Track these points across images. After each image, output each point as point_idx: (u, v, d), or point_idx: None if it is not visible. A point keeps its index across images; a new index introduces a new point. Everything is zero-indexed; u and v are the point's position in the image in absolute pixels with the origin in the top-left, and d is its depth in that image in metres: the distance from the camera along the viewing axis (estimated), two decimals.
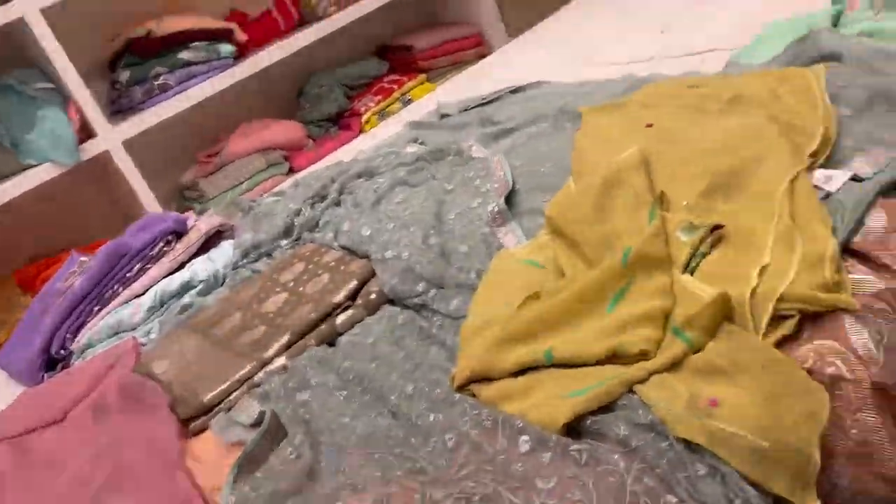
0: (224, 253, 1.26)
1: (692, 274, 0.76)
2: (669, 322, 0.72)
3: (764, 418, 0.62)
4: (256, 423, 0.86)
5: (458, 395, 0.74)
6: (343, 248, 1.14)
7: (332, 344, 0.98)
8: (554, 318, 0.75)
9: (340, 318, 1.00)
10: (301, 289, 1.07)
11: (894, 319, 0.68)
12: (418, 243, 1.01)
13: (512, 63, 1.97)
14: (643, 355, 0.69)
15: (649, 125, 0.94)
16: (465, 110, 1.64)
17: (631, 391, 0.67)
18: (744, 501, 0.58)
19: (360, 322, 1.00)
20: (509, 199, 1.03)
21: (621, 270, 0.75)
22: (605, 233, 0.82)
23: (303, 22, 2.38)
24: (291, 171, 2.27)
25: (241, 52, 2.19)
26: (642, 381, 0.67)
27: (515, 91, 1.61)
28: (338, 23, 2.32)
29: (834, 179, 0.80)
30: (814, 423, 0.62)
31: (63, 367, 1.18)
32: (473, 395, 0.75)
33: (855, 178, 0.81)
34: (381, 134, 1.86)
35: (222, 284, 1.21)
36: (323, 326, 1.00)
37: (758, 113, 0.89)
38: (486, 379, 0.75)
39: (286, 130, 2.32)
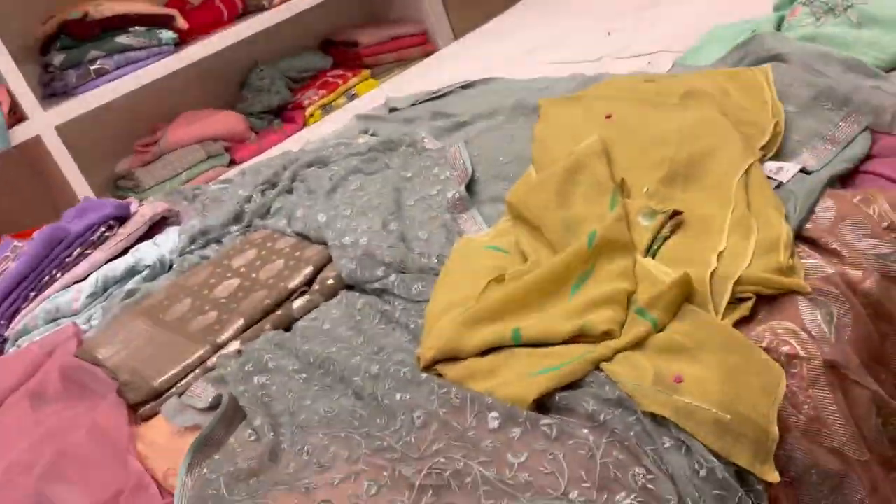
0: (170, 239, 1.22)
1: (653, 257, 0.78)
2: (632, 303, 0.73)
3: (725, 393, 0.64)
4: (211, 408, 0.84)
5: (424, 375, 0.74)
6: (297, 234, 1.12)
7: (287, 329, 0.96)
8: (520, 299, 0.76)
9: (297, 304, 0.99)
10: (254, 275, 1.05)
11: (844, 302, 0.71)
12: (377, 229, 1.00)
13: (458, 61, 1.98)
14: (608, 335, 0.71)
15: (608, 116, 0.96)
16: (415, 104, 1.64)
17: (597, 369, 0.68)
18: (708, 472, 0.60)
19: (316, 308, 0.98)
20: (468, 187, 1.03)
21: (586, 254, 0.76)
22: (567, 218, 0.83)
23: (246, 12, 2.34)
24: (233, 162, 2.22)
25: (183, 40, 2.13)
26: (608, 359, 0.69)
27: (466, 86, 1.62)
28: (282, 14, 2.29)
29: (785, 170, 0.84)
30: (771, 399, 0.65)
31: None
32: (440, 376, 0.75)
33: (803, 171, 0.85)
34: (326, 128, 1.84)
35: (169, 270, 1.17)
36: (279, 312, 0.98)
37: (710, 107, 0.93)
38: (452, 359, 0.75)
39: (228, 121, 2.27)
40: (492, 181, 1.03)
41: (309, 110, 2.35)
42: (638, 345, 0.69)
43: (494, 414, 0.67)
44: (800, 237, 0.77)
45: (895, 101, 0.94)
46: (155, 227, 1.31)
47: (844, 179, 0.85)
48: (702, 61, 1.22)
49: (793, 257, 0.74)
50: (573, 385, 0.68)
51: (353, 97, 2.37)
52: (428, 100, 1.62)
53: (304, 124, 2.30)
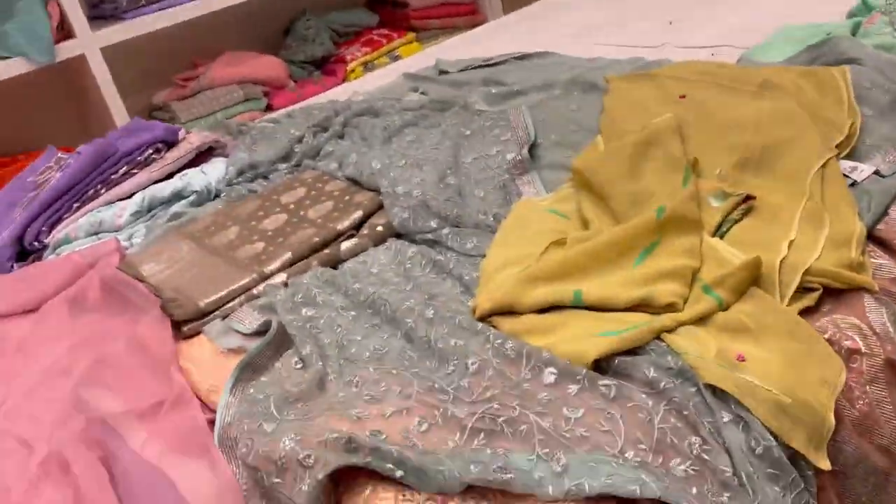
0: (217, 169, 1.22)
1: (722, 238, 0.77)
2: (697, 281, 0.73)
3: (787, 377, 0.64)
4: (257, 333, 0.84)
5: (480, 324, 0.74)
6: (348, 179, 1.12)
7: (334, 269, 0.96)
8: (582, 262, 0.76)
9: (344, 245, 0.98)
10: (303, 212, 1.05)
11: None
12: (433, 181, 1.00)
13: (509, 34, 1.96)
14: (671, 307, 0.70)
15: (682, 96, 0.95)
16: (465, 70, 1.63)
17: (659, 339, 0.68)
18: (765, 450, 0.60)
19: (364, 252, 0.98)
20: (528, 151, 1.03)
21: (654, 225, 0.76)
22: (636, 191, 0.83)
23: None
24: (269, 108, 2.21)
25: None
26: (671, 330, 0.68)
27: (520, 58, 1.60)
28: None
29: (860, 170, 0.84)
30: (831, 389, 0.65)
31: (35, 261, 1.11)
32: (495, 327, 0.74)
33: (877, 173, 0.84)
34: (370, 83, 1.82)
35: (215, 199, 1.17)
36: (326, 251, 0.98)
37: (788, 99, 0.92)
38: (509, 314, 0.75)
39: (269, 66, 2.25)
40: (553, 148, 1.03)
41: (351, 66, 2.34)
42: (701, 321, 0.69)
43: (552, 369, 0.67)
44: (871, 237, 0.77)
45: None
46: (200, 157, 1.30)
47: None
48: (771, 58, 1.21)
49: (863, 255, 0.74)
50: (633, 351, 0.68)
51: (396, 58, 2.35)
52: (480, 66, 1.61)
53: (345, 79, 2.28)
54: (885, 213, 0.78)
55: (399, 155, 1.10)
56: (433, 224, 0.94)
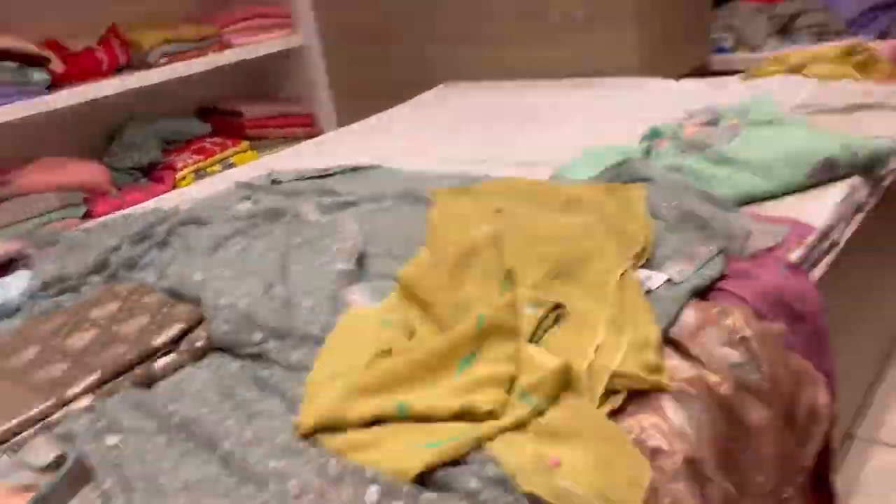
0: (19, 281, 1.12)
1: (536, 344, 0.81)
2: (516, 387, 0.76)
3: (599, 480, 0.67)
4: (52, 467, 0.76)
5: (302, 443, 0.71)
6: (167, 291, 1.07)
7: (148, 389, 0.90)
8: (407, 373, 0.76)
9: (160, 363, 0.93)
10: (115, 328, 0.98)
11: (703, 403, 0.77)
12: (259, 292, 0.98)
13: (344, 147, 2.01)
14: (491, 415, 0.72)
15: (498, 210, 1.01)
16: (299, 180, 1.64)
17: (480, 447, 0.69)
18: None
19: (182, 369, 0.93)
20: (358, 261, 1.04)
21: (475, 334, 0.78)
22: (457, 300, 0.86)
23: (129, 66, 2.27)
24: (89, 216, 2.09)
25: (57, 84, 2.03)
26: (492, 438, 0.70)
27: (354, 170, 1.65)
28: (164, 74, 2.25)
29: (654, 279, 0.92)
30: (638, 490, 0.68)
31: None
32: (318, 446, 0.72)
33: (669, 281, 0.93)
34: (199, 191, 1.79)
35: (15, 314, 1.07)
36: (138, 370, 0.91)
37: (590, 214, 1.00)
38: (333, 429, 0.73)
39: (90, 172, 2.15)
40: (381, 258, 1.05)
41: (181, 173, 2.29)
42: (519, 427, 0.71)
43: (375, 487, 0.65)
44: (665, 340, 0.84)
45: (744, 231, 1.06)
46: (2, 270, 1.20)
47: (703, 293, 0.94)
48: (578, 176, 1.32)
49: (661, 358, 0.80)
50: (455, 462, 0.68)
51: (230, 166, 2.33)
52: (313, 177, 1.64)
53: (174, 186, 2.22)
54: (676, 318, 0.86)
55: (224, 265, 1.07)
56: (257, 337, 0.92)
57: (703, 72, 2.50)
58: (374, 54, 2.59)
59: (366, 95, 2.62)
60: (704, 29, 2.53)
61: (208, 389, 0.87)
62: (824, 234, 1.11)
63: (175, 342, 0.97)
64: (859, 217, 1.23)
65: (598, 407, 0.74)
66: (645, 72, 2.21)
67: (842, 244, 1.16)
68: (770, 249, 1.07)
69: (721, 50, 2.62)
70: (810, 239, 1.09)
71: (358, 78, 2.64)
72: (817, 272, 1.09)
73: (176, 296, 1.05)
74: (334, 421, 0.73)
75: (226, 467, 0.72)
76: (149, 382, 0.91)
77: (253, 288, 0.99)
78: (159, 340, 0.95)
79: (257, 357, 0.90)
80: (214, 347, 0.96)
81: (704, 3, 2.49)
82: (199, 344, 0.96)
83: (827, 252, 1.14)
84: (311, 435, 0.73)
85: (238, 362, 0.90)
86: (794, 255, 1.05)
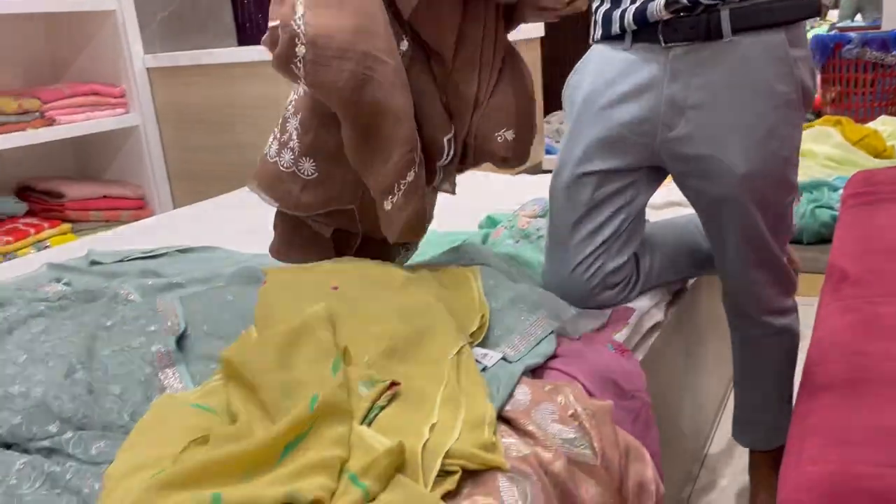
0: None
1: (369, 425, 0.77)
2: (344, 471, 0.71)
3: None
4: None
5: None
6: None
7: None
8: (224, 462, 0.69)
9: None
10: None
11: (536, 481, 0.76)
12: (58, 379, 0.87)
13: (176, 230, 1.92)
14: (317, 503, 0.66)
15: (335, 287, 0.98)
16: (122, 261, 1.53)
17: None
18: None
19: None
20: (177, 343, 0.95)
21: (305, 417, 0.73)
22: (287, 381, 0.80)
23: None
24: None
25: None
26: None
27: (184, 251, 1.56)
28: None
29: (490, 357, 0.91)
30: None
31: None
32: None
33: (504, 359, 0.93)
34: (5, 273, 1.61)
35: None
36: None
37: (427, 293, 1.00)
38: None
39: None
40: (205, 338, 0.97)
41: None
42: None
43: None
44: (500, 418, 0.83)
45: (572, 313, 1.10)
46: None
47: (536, 371, 0.95)
48: (418, 258, 1.33)
49: (495, 435, 0.78)
50: None
51: (45, 249, 2.14)
52: (138, 258, 1.53)
53: None
54: (510, 395, 0.86)
55: (19, 349, 0.95)
56: (52, 429, 0.81)
57: (536, 170, 2.66)
58: (213, 137, 2.53)
59: (202, 179, 2.53)
60: (539, 133, 2.71)
61: None
62: (644, 315, 1.18)
63: None
64: (679, 297, 1.32)
65: (433, 489, 0.71)
66: (484, 167, 2.30)
67: (663, 323, 1.23)
68: (597, 331, 1.11)
69: (550, 150, 2.82)
70: (633, 320, 1.14)
71: (196, 160, 2.55)
72: (640, 353, 1.14)
73: None
74: None
75: None
76: None
77: (52, 373, 0.88)
78: None
79: (50, 451, 0.79)
80: (1, 442, 0.83)
81: (538, 111, 2.68)
82: None
83: (650, 331, 1.20)
84: None
85: (26, 458, 0.78)
86: (620, 336, 1.10)
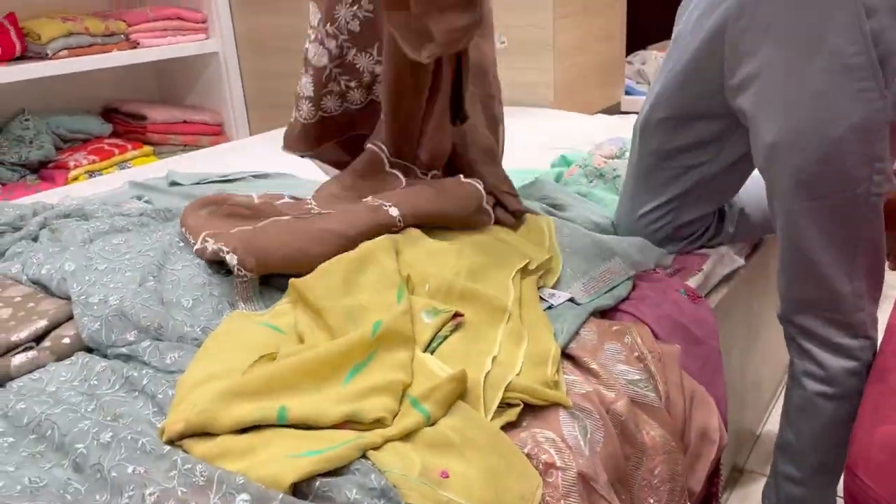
0: None
1: (432, 353, 0.77)
2: (407, 395, 0.71)
3: (487, 494, 0.63)
4: None
5: (167, 448, 0.65)
6: (35, 284, 0.97)
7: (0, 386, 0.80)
8: (290, 378, 0.71)
9: (17, 360, 0.83)
10: None
11: (598, 419, 0.75)
12: (134, 287, 0.90)
13: (252, 155, 1.94)
14: (379, 423, 0.67)
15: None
16: (200, 183, 1.57)
17: (364, 457, 0.64)
18: None
19: (42, 367, 0.84)
20: None
21: (368, 342, 0.74)
22: (351, 306, 0.81)
23: (24, 56, 2.14)
24: None
25: None
26: (377, 447, 0.65)
27: (259, 177, 1.58)
28: (61, 68, 2.12)
29: (557, 297, 0.90)
30: None
31: None
32: (185, 452, 0.66)
33: (572, 300, 0.91)
34: (90, 189, 1.68)
35: None
36: None
37: (495, 234, 0.99)
38: (203, 434, 0.66)
39: None
40: None
41: (74, 172, 2.15)
42: (408, 436, 0.67)
43: (244, 496, 0.59)
44: (564, 355, 0.82)
45: (654, 256, 1.07)
46: None
47: (605, 313, 0.93)
48: None
49: (558, 373, 0.78)
50: (336, 472, 0.63)
51: (126, 169, 2.21)
52: (215, 181, 1.56)
53: (65, 185, 2.09)
54: (576, 334, 0.85)
55: (100, 257, 0.98)
56: (130, 337, 0.84)
57: (614, 111, 2.58)
58: (291, 66, 2.53)
59: (280, 107, 2.55)
60: (618, 72, 2.61)
61: (68, 389, 0.78)
62: (720, 261, 1.14)
63: (39, 339, 0.88)
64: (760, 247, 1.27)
65: (493, 419, 0.71)
66: (560, 107, 2.25)
67: (739, 270, 1.18)
68: (670, 275, 1.08)
69: (630, 91, 2.72)
70: (707, 266, 1.10)
71: (273, 89, 2.57)
72: (715, 298, 1.10)
73: (45, 289, 0.96)
74: (206, 425, 0.66)
75: (77, 472, 0.65)
76: (2, 381, 0.81)
77: (128, 282, 0.91)
78: (20, 336, 0.86)
79: (129, 358, 0.83)
80: (84, 346, 0.87)
81: (618, 48, 2.58)
82: (65, 341, 0.87)
83: (727, 279, 1.16)
84: (180, 440, 0.66)
85: (106, 362, 0.82)
86: (693, 281, 1.06)
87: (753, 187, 1.15)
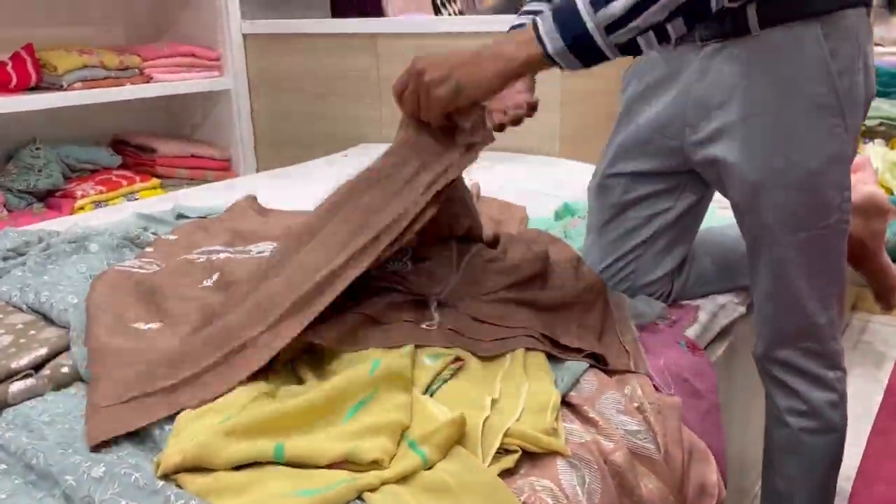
0: None
1: (432, 396, 0.77)
2: (404, 437, 0.71)
3: None
4: None
5: (161, 483, 0.64)
6: (37, 312, 0.98)
7: None
8: (290, 416, 0.71)
9: (15, 387, 0.83)
10: None
11: (596, 469, 0.75)
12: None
13: (258, 191, 1.96)
14: (376, 464, 0.67)
15: None
16: (205, 217, 1.58)
17: (360, 498, 0.64)
18: None
19: (40, 396, 0.84)
20: None
21: (367, 381, 0.74)
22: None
23: (39, 86, 2.17)
24: None
25: None
26: (373, 489, 0.64)
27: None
28: (74, 99, 2.16)
29: None
30: None
31: None
32: (179, 487, 0.65)
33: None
34: (96, 219, 1.69)
35: None
36: None
37: None
38: (198, 470, 0.66)
39: None
40: None
41: (80, 202, 2.17)
42: (405, 478, 0.66)
43: None
44: (564, 403, 0.82)
45: (655, 311, 1.08)
46: None
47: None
48: None
49: (557, 420, 0.77)
50: None
51: (133, 200, 2.23)
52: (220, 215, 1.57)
53: (71, 214, 2.10)
54: (576, 381, 0.84)
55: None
56: None
57: None
58: (302, 106, 2.57)
59: (287, 146, 2.59)
60: None
61: (64, 422, 0.78)
62: (719, 311, 1.14)
63: (37, 367, 0.87)
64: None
65: (490, 465, 0.71)
66: (567, 156, 2.27)
67: (738, 324, 1.19)
68: (669, 326, 1.08)
69: None
70: (704, 316, 1.11)
71: (282, 128, 2.61)
72: (717, 350, 1.10)
73: (44, 318, 0.96)
74: (202, 460, 0.66)
75: (69, 503, 0.64)
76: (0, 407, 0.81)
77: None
78: (18, 363, 0.86)
79: None
80: (82, 377, 0.87)
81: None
82: (64, 370, 0.87)
83: (728, 329, 1.16)
84: (175, 472, 0.66)
85: None
86: (692, 332, 1.06)
87: (712, 243, 1.18)
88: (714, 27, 0.93)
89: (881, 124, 3.06)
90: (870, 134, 3.00)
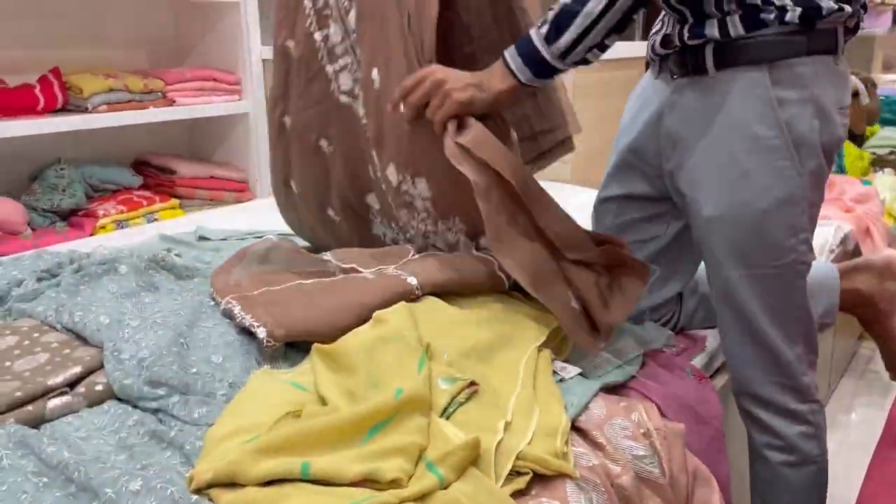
0: None
1: (447, 419, 0.81)
2: (422, 459, 0.75)
3: None
4: None
5: (195, 497, 0.68)
6: (70, 332, 1.02)
7: (35, 428, 0.84)
8: (315, 435, 0.75)
9: (53, 403, 0.88)
10: (8, 363, 0.93)
11: (603, 492, 0.78)
12: (164, 345, 0.94)
13: (277, 212, 2.01)
14: (395, 483, 0.71)
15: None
16: (226, 239, 1.63)
17: None
18: None
19: (76, 413, 0.88)
20: None
21: (391, 406, 0.78)
22: (374, 371, 0.85)
23: (65, 109, 2.24)
24: None
25: None
26: None
27: (286, 235, 1.65)
28: (98, 122, 2.22)
29: (568, 371, 0.94)
30: None
31: None
32: (212, 501, 0.69)
33: (581, 374, 0.95)
34: (119, 240, 1.74)
35: None
36: (29, 408, 0.86)
37: (510, 305, 1.04)
38: (230, 485, 0.70)
39: (4, 209, 2.07)
40: None
41: (102, 221, 2.22)
42: (422, 498, 0.70)
43: None
44: (573, 428, 0.85)
45: (663, 338, 1.11)
46: None
47: (614, 389, 0.97)
48: None
49: (567, 444, 0.81)
50: None
51: (153, 221, 2.29)
52: (243, 238, 1.62)
53: (93, 234, 2.16)
54: (585, 407, 0.88)
55: (133, 313, 1.03)
56: (160, 392, 0.88)
57: None
58: None
59: None
60: None
61: (100, 436, 0.82)
62: None
63: (72, 385, 0.92)
64: None
65: (503, 486, 0.74)
66: (578, 183, 2.32)
67: None
68: (676, 354, 1.12)
69: None
70: (711, 344, 1.14)
71: None
72: (721, 380, 1.14)
73: (78, 337, 1.01)
74: (232, 476, 0.70)
75: None
76: (38, 422, 0.86)
77: (159, 340, 0.95)
78: (55, 380, 0.90)
79: (157, 410, 0.87)
80: (115, 395, 0.91)
81: None
82: (98, 388, 0.91)
83: None
84: (207, 488, 0.70)
85: (137, 414, 0.86)
86: (698, 361, 1.10)
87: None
88: (681, 64, 1.01)
89: (891, 153, 3.08)
90: (880, 163, 3.03)
